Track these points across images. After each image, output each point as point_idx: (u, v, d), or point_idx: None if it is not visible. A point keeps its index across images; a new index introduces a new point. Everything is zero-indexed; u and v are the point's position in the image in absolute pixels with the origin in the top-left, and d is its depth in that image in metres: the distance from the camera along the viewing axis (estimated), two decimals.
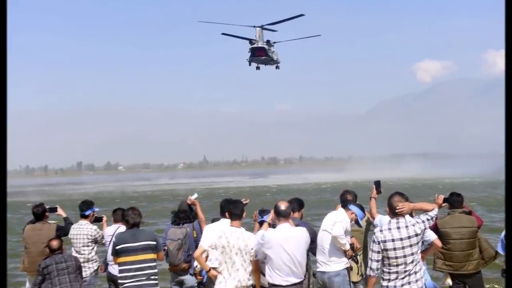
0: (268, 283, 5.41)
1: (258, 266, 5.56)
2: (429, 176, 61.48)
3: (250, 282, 5.48)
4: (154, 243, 5.78)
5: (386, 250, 4.66)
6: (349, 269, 6.08)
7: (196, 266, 6.35)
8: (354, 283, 6.50)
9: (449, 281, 6.55)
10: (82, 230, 7.20)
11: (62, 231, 7.21)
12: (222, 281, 5.44)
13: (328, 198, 32.73)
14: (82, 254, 7.09)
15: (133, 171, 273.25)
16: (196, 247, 6.37)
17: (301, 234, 5.45)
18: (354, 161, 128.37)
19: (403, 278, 4.64)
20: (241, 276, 5.42)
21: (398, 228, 4.68)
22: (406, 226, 4.68)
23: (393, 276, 4.67)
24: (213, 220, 6.71)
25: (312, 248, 5.92)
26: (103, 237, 7.32)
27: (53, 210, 7.53)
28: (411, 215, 5.25)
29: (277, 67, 34.09)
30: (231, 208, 5.73)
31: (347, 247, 5.90)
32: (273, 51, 32.23)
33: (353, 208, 6.10)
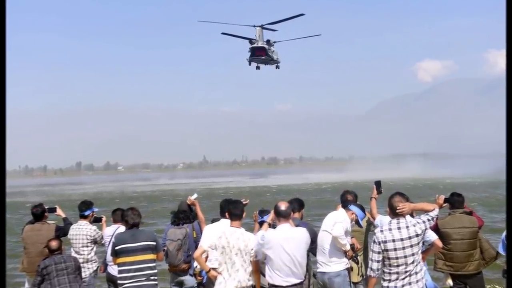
0: (268, 284, 5.40)
1: (258, 266, 5.54)
2: (429, 176, 61.49)
3: (250, 283, 5.47)
4: (154, 243, 5.77)
5: (387, 250, 4.64)
6: (350, 269, 6.06)
7: (196, 266, 6.33)
8: (355, 283, 6.50)
9: (449, 282, 6.54)
10: (81, 230, 7.19)
11: (62, 232, 7.21)
12: (222, 281, 5.43)
13: (328, 198, 32.72)
14: (81, 255, 7.07)
15: (133, 171, 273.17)
16: (196, 247, 6.35)
17: (301, 235, 5.43)
18: (354, 161, 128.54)
19: (403, 278, 4.63)
20: (241, 276, 5.40)
21: (399, 228, 4.67)
22: (407, 227, 4.67)
23: (393, 276, 4.66)
24: (213, 221, 6.69)
25: (312, 249, 5.91)
26: (102, 238, 7.31)
27: (52, 210, 7.51)
28: (411, 215, 5.23)
29: (277, 67, 34.09)
30: (231, 209, 5.72)
31: (348, 247, 5.89)
32: (273, 51, 32.22)
33: (353, 208, 6.09)
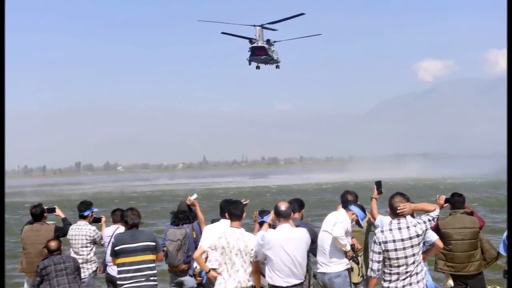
0: (268, 284, 5.39)
1: (258, 267, 5.53)
2: (430, 176, 61.50)
3: (250, 283, 5.46)
4: (153, 244, 5.75)
5: (387, 251, 4.63)
6: (350, 270, 6.05)
7: (196, 267, 6.32)
8: (355, 284, 6.48)
9: (450, 282, 6.52)
10: (80, 230, 7.18)
11: (61, 232, 7.19)
12: (221, 282, 5.42)
13: (328, 198, 32.72)
14: (80, 255, 7.06)
15: (132, 171, 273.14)
16: (196, 248, 6.33)
17: (302, 235, 5.42)
18: (355, 161, 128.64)
19: (404, 279, 4.62)
20: (241, 277, 5.39)
21: (399, 228, 4.65)
22: (407, 227, 4.65)
23: (394, 277, 4.65)
24: (213, 221, 6.67)
25: (312, 249, 5.90)
26: (102, 238, 7.30)
27: (52, 210, 7.50)
28: (412, 215, 5.21)
29: (277, 67, 34.07)
30: (231, 209, 5.71)
31: (348, 248, 5.88)
32: (273, 50, 32.20)
33: (353, 208, 6.08)
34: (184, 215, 7.07)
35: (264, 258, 5.40)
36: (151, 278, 5.68)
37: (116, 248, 5.67)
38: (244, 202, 6.03)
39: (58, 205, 8.06)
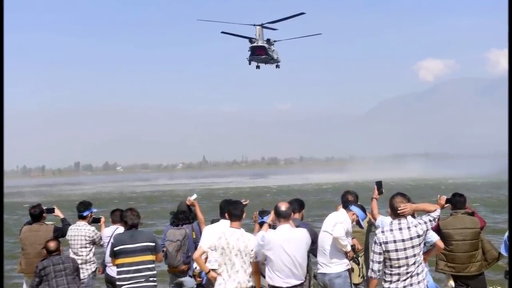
0: (268, 285, 5.38)
1: (258, 267, 5.52)
2: (431, 177, 61.52)
3: (250, 284, 5.44)
4: (153, 244, 5.74)
5: (388, 251, 4.61)
6: (350, 270, 6.04)
7: (195, 267, 6.31)
8: (355, 284, 6.46)
9: (451, 283, 6.51)
10: (80, 231, 7.15)
11: (60, 232, 7.17)
12: (221, 282, 5.41)
13: (329, 198, 32.72)
14: (80, 256, 7.04)
15: (132, 172, 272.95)
16: (195, 248, 6.32)
17: (302, 235, 5.40)
18: (355, 162, 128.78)
19: (405, 279, 4.60)
20: (241, 277, 5.38)
21: (400, 229, 4.63)
22: (408, 227, 4.63)
23: (394, 277, 4.63)
24: (213, 221, 6.66)
25: (312, 249, 5.89)
26: (101, 238, 7.28)
27: (51, 211, 7.48)
28: (413, 216, 5.18)
29: (277, 66, 34.05)
30: (231, 209, 5.70)
31: (348, 248, 5.87)
32: (273, 50, 32.17)
33: (354, 209, 6.06)
34: (184, 216, 7.05)
35: (264, 258, 5.39)
36: (151, 279, 5.66)
37: (115, 249, 5.66)
38: (244, 203, 6.01)
39: (57, 205, 8.04)
